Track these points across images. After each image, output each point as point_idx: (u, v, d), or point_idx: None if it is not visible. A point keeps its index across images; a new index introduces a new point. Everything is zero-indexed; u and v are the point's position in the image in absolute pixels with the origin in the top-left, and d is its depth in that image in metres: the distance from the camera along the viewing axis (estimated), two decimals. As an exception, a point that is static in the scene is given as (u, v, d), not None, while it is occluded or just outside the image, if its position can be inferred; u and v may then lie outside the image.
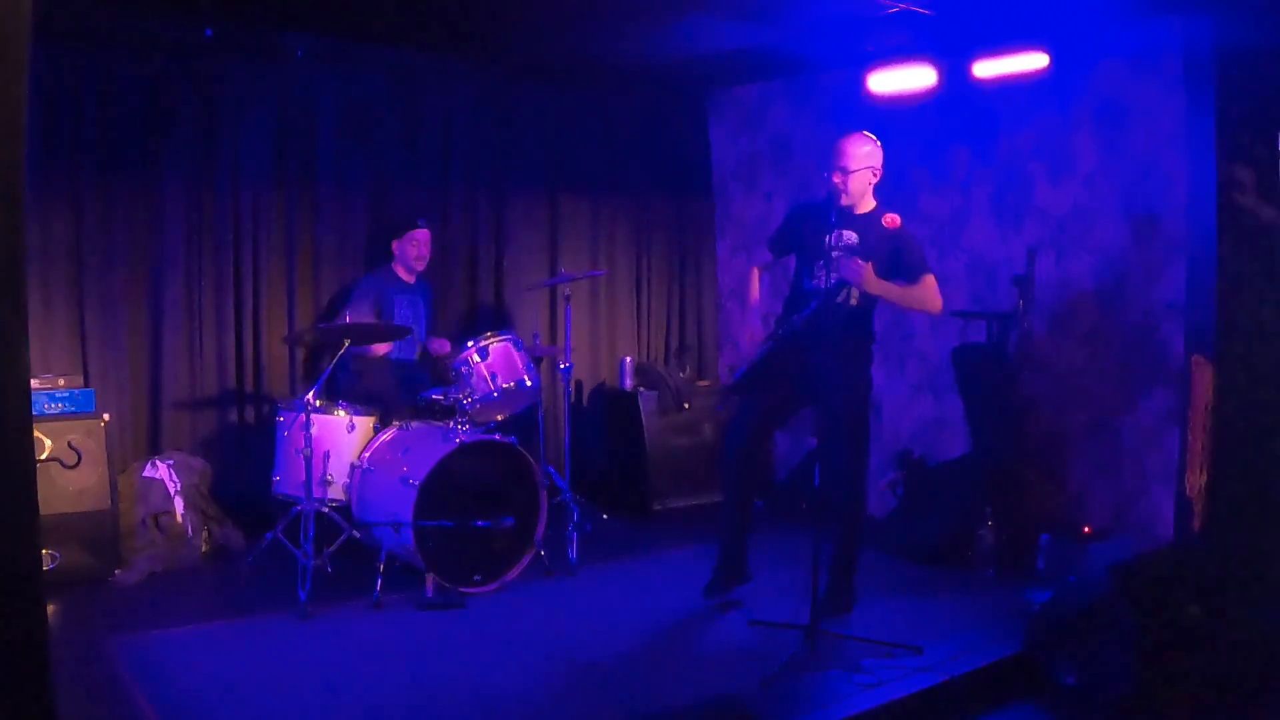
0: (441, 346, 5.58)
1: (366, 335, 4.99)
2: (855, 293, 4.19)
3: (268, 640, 4.04)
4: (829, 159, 4.23)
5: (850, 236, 4.18)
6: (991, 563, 4.92)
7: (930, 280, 4.19)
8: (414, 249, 5.48)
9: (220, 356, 5.52)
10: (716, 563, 4.51)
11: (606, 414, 6.47)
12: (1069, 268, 5.16)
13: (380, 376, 5.36)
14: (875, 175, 4.23)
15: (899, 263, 4.18)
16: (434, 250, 5.75)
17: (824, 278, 4.12)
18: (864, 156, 4.18)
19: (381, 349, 5.32)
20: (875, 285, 4.09)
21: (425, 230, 5.52)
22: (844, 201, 4.19)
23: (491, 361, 4.87)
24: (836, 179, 4.18)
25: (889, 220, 4.11)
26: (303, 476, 4.48)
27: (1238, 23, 4.18)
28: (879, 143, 4.25)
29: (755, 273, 4.58)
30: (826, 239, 4.11)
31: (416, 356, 5.58)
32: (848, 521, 4.32)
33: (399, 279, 5.52)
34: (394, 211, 5.89)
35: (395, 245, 5.52)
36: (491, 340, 4.92)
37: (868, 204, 4.27)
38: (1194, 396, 4.42)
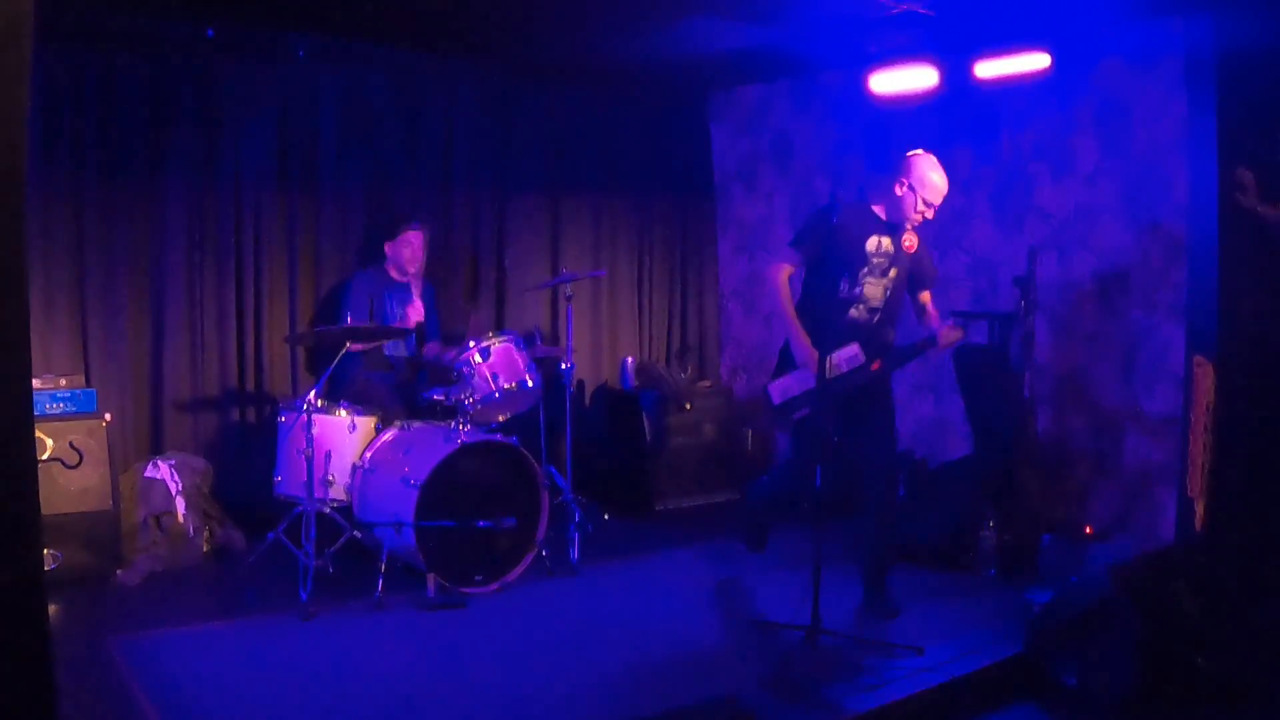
0: (430, 349, 5.55)
1: (367, 336, 5.00)
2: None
3: (269, 640, 4.04)
4: (914, 181, 4.15)
5: (886, 244, 4.24)
6: (993, 563, 4.91)
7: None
8: (407, 250, 5.44)
9: (222, 356, 5.53)
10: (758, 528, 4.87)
11: (608, 414, 6.47)
12: (1070, 268, 5.16)
13: (377, 375, 5.37)
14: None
15: (917, 275, 4.36)
16: (435, 251, 5.73)
17: (862, 287, 4.21)
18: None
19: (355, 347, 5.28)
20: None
21: (419, 232, 5.47)
22: (897, 217, 4.22)
23: (493, 362, 4.87)
24: (920, 214, 4.20)
25: (907, 245, 4.26)
26: (304, 477, 4.49)
27: (1239, 23, 4.17)
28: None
29: (786, 278, 4.29)
30: (870, 244, 4.20)
31: (410, 352, 5.56)
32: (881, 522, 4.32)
33: (390, 278, 5.51)
34: (389, 212, 5.88)
35: (387, 247, 5.50)
36: (493, 341, 4.92)
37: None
38: (1195, 397, 4.41)
